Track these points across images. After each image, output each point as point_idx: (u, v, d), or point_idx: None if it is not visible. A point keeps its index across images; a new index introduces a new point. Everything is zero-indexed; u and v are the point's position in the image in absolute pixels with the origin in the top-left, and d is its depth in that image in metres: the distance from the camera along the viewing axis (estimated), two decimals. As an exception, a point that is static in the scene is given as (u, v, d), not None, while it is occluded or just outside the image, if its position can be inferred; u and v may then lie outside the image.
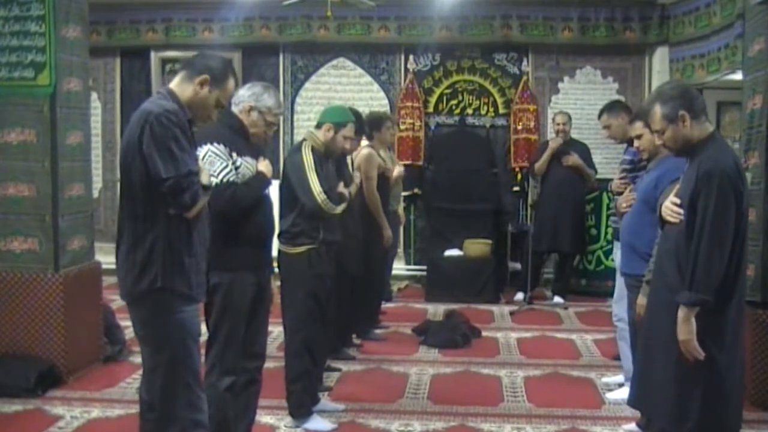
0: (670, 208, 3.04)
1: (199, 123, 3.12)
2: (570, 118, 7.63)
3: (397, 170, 6.59)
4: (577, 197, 7.60)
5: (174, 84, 3.04)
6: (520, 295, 7.59)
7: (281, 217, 4.20)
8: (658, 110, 3.05)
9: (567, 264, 7.80)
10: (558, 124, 7.54)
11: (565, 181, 7.43)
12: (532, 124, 8.41)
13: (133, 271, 2.91)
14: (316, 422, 4.29)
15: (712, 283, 2.85)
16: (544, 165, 7.51)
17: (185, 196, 2.85)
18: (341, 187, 4.40)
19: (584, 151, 7.62)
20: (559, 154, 7.45)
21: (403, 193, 7.94)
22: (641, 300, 3.47)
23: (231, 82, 3.11)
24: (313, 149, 4.26)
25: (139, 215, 2.90)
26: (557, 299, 7.60)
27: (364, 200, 5.73)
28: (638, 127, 4.11)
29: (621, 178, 4.72)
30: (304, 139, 4.37)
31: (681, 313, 2.89)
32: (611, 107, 5.53)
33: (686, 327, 2.88)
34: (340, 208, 4.28)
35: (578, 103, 8.58)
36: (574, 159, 7.46)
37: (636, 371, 3.29)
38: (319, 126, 4.39)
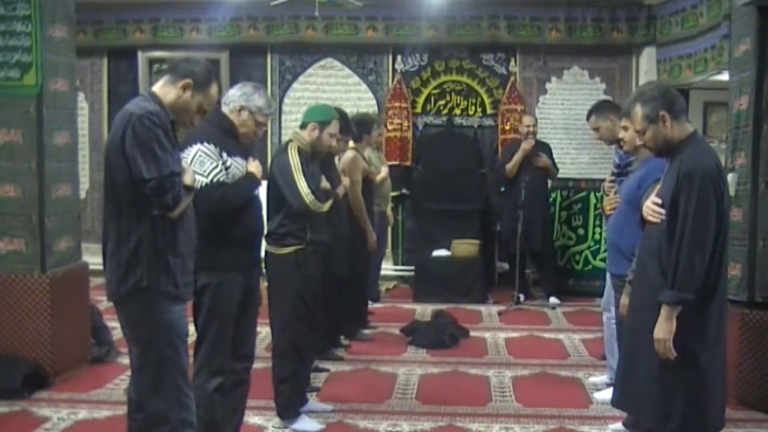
0: (652, 207, 3.06)
1: (179, 127, 3.12)
2: (536, 120, 7.92)
3: (384, 171, 6.62)
4: (545, 197, 7.79)
5: (157, 87, 3.05)
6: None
7: (268, 218, 4.19)
8: (638, 111, 3.08)
9: (545, 263, 7.84)
10: (527, 126, 7.72)
11: (533, 182, 7.47)
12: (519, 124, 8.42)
13: (117, 272, 2.92)
14: (304, 423, 4.28)
15: (694, 282, 2.88)
16: (515, 166, 7.59)
17: (168, 197, 2.85)
18: (324, 182, 4.40)
19: (549, 152, 7.83)
20: (529, 155, 7.58)
21: (391, 194, 7.92)
22: (624, 300, 3.49)
23: (214, 88, 3.12)
24: (299, 150, 4.24)
25: (123, 215, 2.90)
26: (553, 300, 7.60)
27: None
28: (624, 120, 4.11)
29: (610, 181, 4.74)
30: (290, 140, 4.35)
31: (663, 311, 2.91)
32: (599, 109, 5.29)
33: (666, 326, 2.91)
34: (327, 205, 4.28)
35: (566, 103, 8.64)
36: (544, 160, 7.64)
37: (619, 371, 3.30)
38: (303, 126, 4.38)
